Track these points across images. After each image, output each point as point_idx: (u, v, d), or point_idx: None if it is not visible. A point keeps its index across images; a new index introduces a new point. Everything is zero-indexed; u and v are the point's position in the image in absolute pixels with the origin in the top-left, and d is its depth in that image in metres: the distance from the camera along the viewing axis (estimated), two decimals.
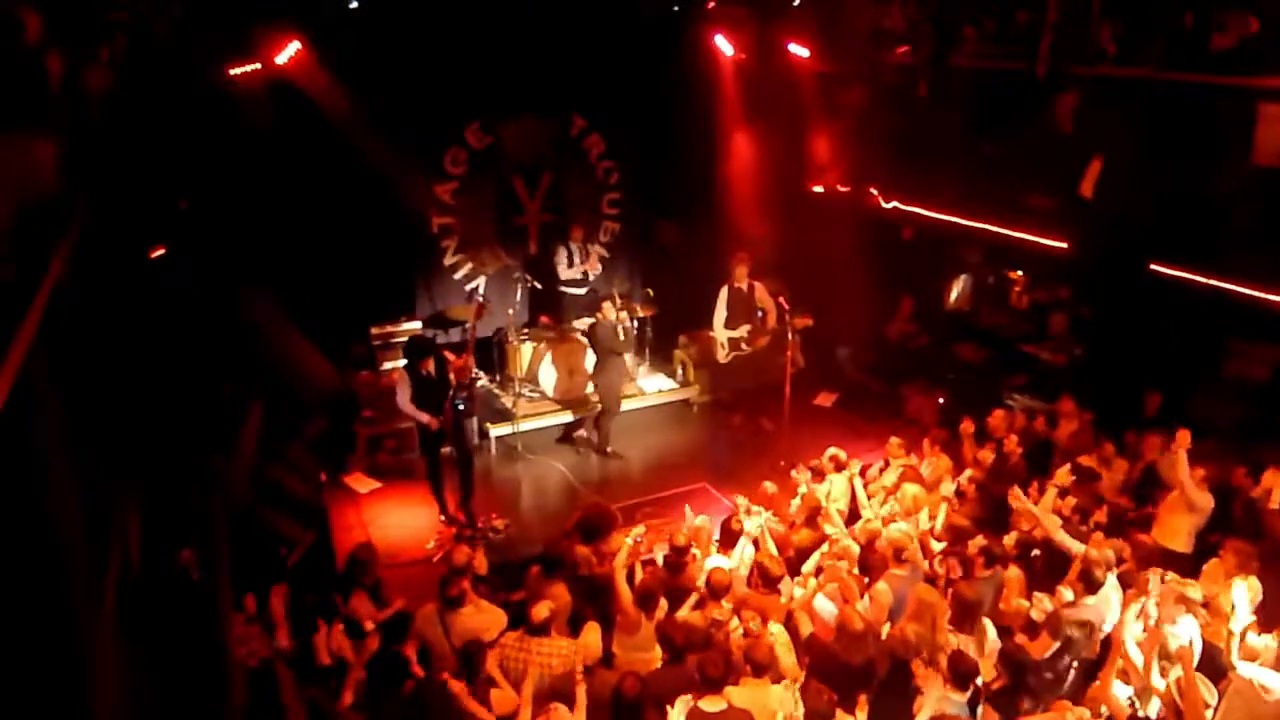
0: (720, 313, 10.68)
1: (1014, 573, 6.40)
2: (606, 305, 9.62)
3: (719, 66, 11.59)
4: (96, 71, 4.53)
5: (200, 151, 7.38)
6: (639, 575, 6.45)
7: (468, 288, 11.10)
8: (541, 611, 5.55)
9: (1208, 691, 5.18)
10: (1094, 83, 9.30)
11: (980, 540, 6.51)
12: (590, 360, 10.13)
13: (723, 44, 11.37)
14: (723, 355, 10.81)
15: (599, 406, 10.05)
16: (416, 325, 10.39)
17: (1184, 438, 6.93)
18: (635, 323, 11.25)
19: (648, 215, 11.94)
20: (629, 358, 10.77)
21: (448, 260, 10.99)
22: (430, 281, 10.95)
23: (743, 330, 10.71)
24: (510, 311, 10.68)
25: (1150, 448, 7.96)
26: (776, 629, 5.83)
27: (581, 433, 10.33)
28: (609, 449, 10.04)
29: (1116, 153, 8.95)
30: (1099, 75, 9.25)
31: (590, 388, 10.24)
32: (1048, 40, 9.50)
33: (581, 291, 11.10)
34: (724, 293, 10.66)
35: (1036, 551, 6.82)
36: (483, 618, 5.83)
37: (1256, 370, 8.80)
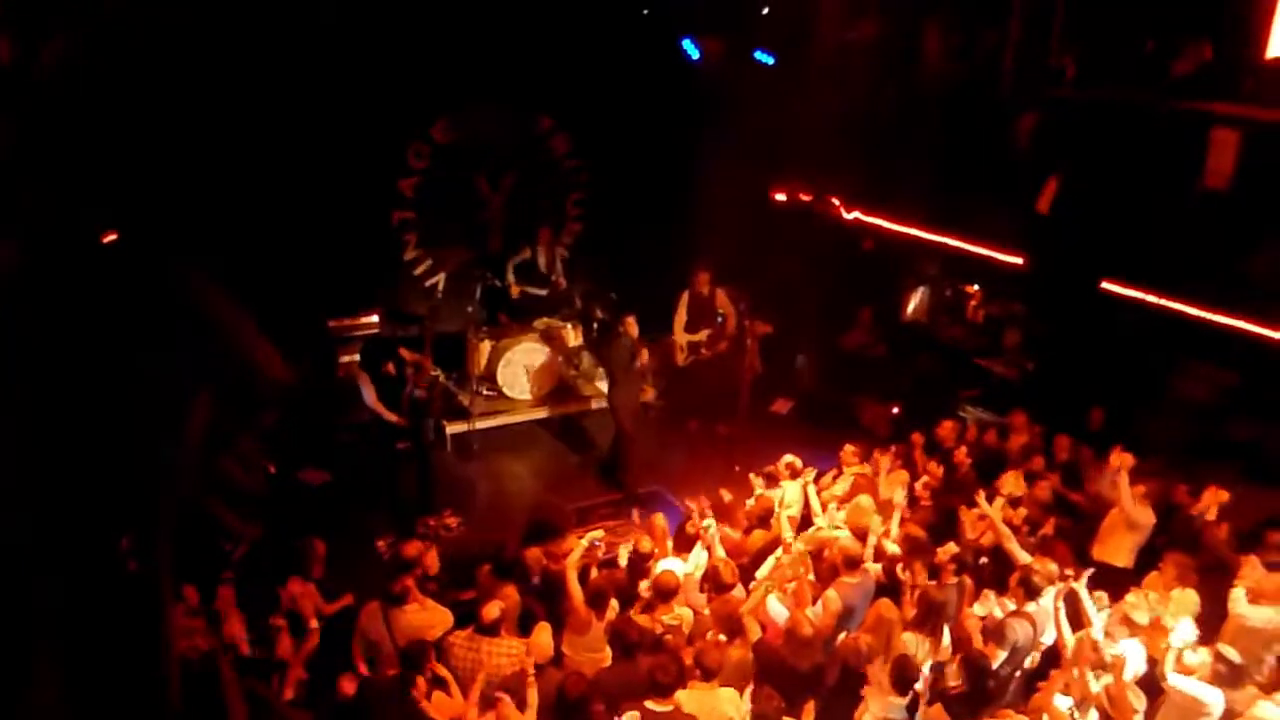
0: (680, 316, 10.73)
1: (967, 581, 6.49)
2: (630, 321, 9.30)
3: (686, 71, 11.64)
4: (50, 52, 4.43)
5: (158, 136, 7.25)
6: (593, 576, 6.44)
7: (427, 284, 11.02)
8: (492, 611, 5.52)
9: (1137, 698, 5.28)
10: (1054, 103, 9.48)
11: (952, 547, 6.58)
12: (540, 359, 10.10)
13: (690, 49, 11.40)
14: (681, 358, 10.86)
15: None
16: (374, 319, 10.29)
17: (1124, 459, 7.09)
18: (597, 325, 11.26)
19: (611, 217, 11.93)
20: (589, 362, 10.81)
21: (408, 255, 10.90)
22: (389, 277, 10.85)
23: (702, 335, 10.75)
24: (470, 309, 10.62)
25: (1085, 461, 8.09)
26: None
27: None
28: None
29: (1073, 172, 9.12)
30: (1059, 96, 9.43)
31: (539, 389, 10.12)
32: (1010, 59, 9.67)
33: (543, 291, 11.07)
34: (684, 297, 10.72)
35: (984, 560, 6.91)
36: (427, 616, 5.79)
37: (1201, 390, 8.99)
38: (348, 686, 5.23)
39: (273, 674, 5.21)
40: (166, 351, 3.11)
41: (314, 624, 5.79)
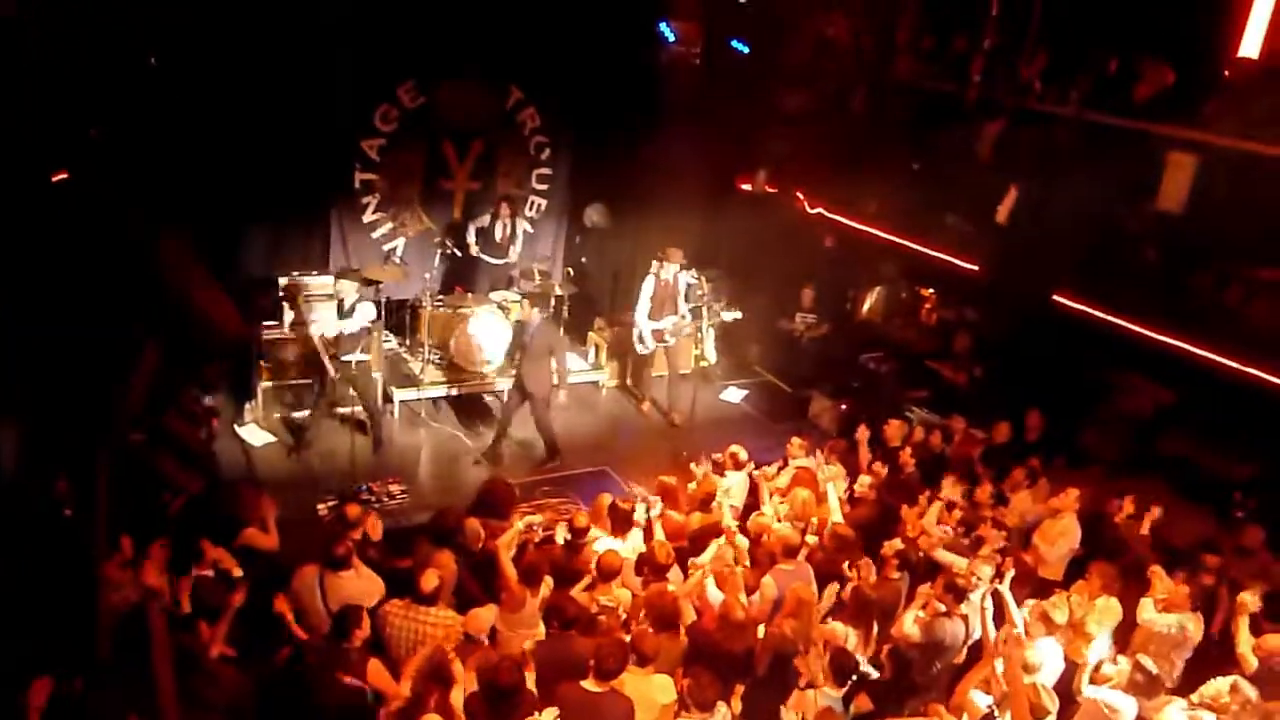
0: (644, 303, 10.37)
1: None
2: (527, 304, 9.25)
3: (661, 54, 11.60)
4: None
5: (114, 77, 7.06)
6: (528, 554, 6.44)
7: (385, 248, 10.88)
8: (430, 580, 5.49)
9: (1050, 700, 5.44)
10: (1019, 113, 9.63)
11: (897, 543, 6.68)
12: (493, 331, 10.04)
13: (666, 31, 11.36)
14: (642, 348, 10.53)
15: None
16: (328, 280, 10.15)
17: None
18: (554, 301, 11.24)
19: (575, 194, 11.87)
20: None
21: (367, 217, 10.76)
22: (347, 237, 10.70)
23: (667, 321, 10.39)
24: (426, 276, 10.51)
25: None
26: None
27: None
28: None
29: (1032, 184, 9.28)
30: (1024, 107, 9.57)
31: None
32: (979, 66, 9.79)
33: (499, 262, 11.00)
34: (649, 283, 10.32)
35: (921, 555, 7.04)
36: (361, 584, 5.76)
37: (1142, 405, 9.23)
38: (283, 650, 5.18)
39: (198, 628, 5.14)
40: (115, 297, 3.06)
41: (237, 573, 5.71)
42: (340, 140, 10.17)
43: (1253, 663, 5.92)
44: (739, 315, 10.65)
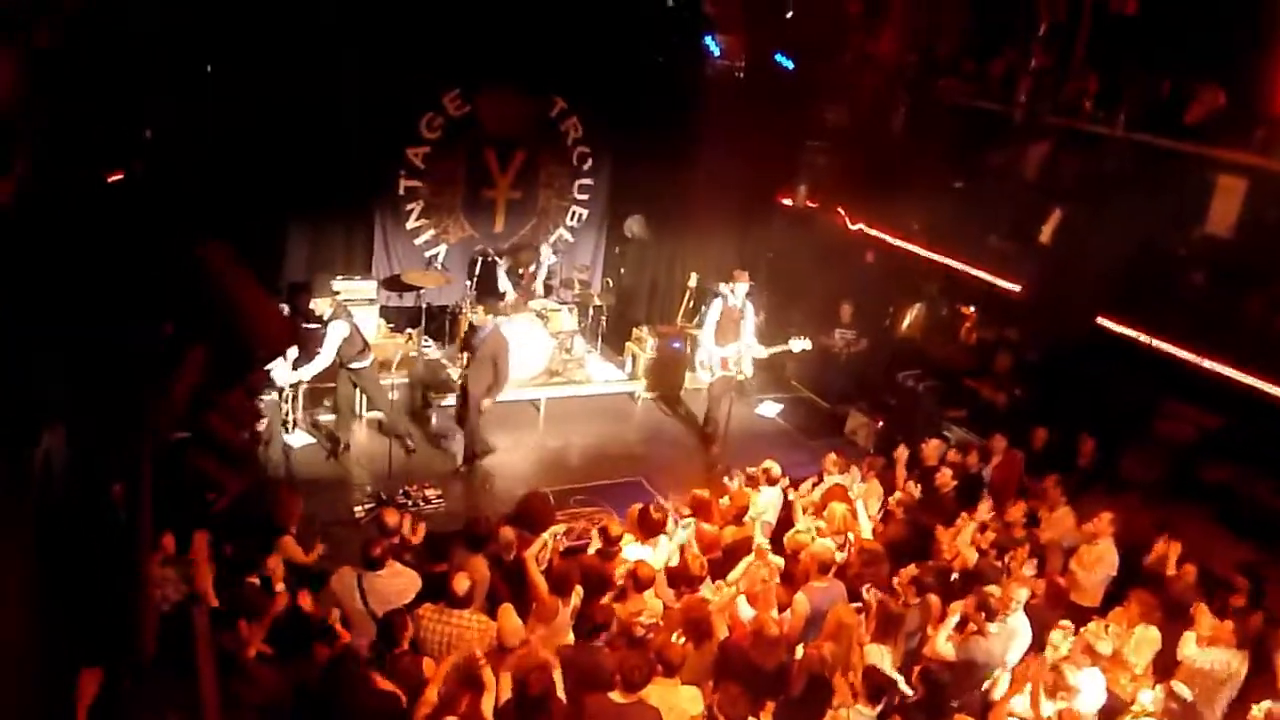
0: (710, 328, 9.71)
1: (934, 600, 6.55)
2: (480, 310, 8.98)
3: (706, 67, 11.64)
4: None
5: (169, 81, 7.22)
6: (556, 564, 6.47)
7: (427, 254, 11.02)
8: (462, 583, 5.53)
9: None
10: (1066, 133, 9.54)
11: (912, 569, 6.62)
12: (532, 338, 10.10)
13: (711, 45, 11.41)
14: (706, 375, 9.93)
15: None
16: (371, 285, 10.30)
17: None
18: (591, 311, 11.30)
19: (616, 205, 11.94)
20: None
21: (410, 224, 10.90)
22: (390, 242, 10.85)
23: (731, 349, 9.67)
24: (468, 283, 10.62)
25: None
26: None
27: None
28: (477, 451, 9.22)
29: (1078, 204, 9.19)
30: (1072, 127, 9.49)
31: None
32: (1027, 86, 9.72)
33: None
34: (716, 306, 9.71)
35: (955, 577, 6.97)
36: (400, 580, 5.81)
37: (1184, 431, 9.09)
38: (323, 651, 5.25)
39: (239, 629, 5.22)
40: (163, 298, 3.13)
41: (280, 586, 5.81)
42: (386, 147, 10.32)
43: None
44: (808, 345, 9.93)
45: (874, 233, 11.56)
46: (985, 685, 6.08)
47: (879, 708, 5.23)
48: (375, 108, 9.72)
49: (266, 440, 8.34)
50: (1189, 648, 6.18)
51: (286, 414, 8.74)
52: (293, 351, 8.28)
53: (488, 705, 4.92)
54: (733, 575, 6.60)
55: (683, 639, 5.67)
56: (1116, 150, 9.07)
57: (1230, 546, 7.96)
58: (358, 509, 8.22)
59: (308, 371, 8.43)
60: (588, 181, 11.72)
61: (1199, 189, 8.41)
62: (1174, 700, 5.78)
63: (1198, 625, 6.29)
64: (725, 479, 7.97)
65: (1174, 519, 7.91)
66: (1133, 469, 8.99)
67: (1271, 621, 6.55)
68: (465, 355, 9.07)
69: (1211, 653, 6.12)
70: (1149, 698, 5.65)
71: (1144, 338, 8.63)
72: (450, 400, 9.92)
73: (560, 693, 5.03)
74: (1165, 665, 6.28)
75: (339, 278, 10.00)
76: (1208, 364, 8.22)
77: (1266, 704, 5.58)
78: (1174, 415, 9.17)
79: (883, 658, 5.81)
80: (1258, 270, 8.27)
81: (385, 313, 10.59)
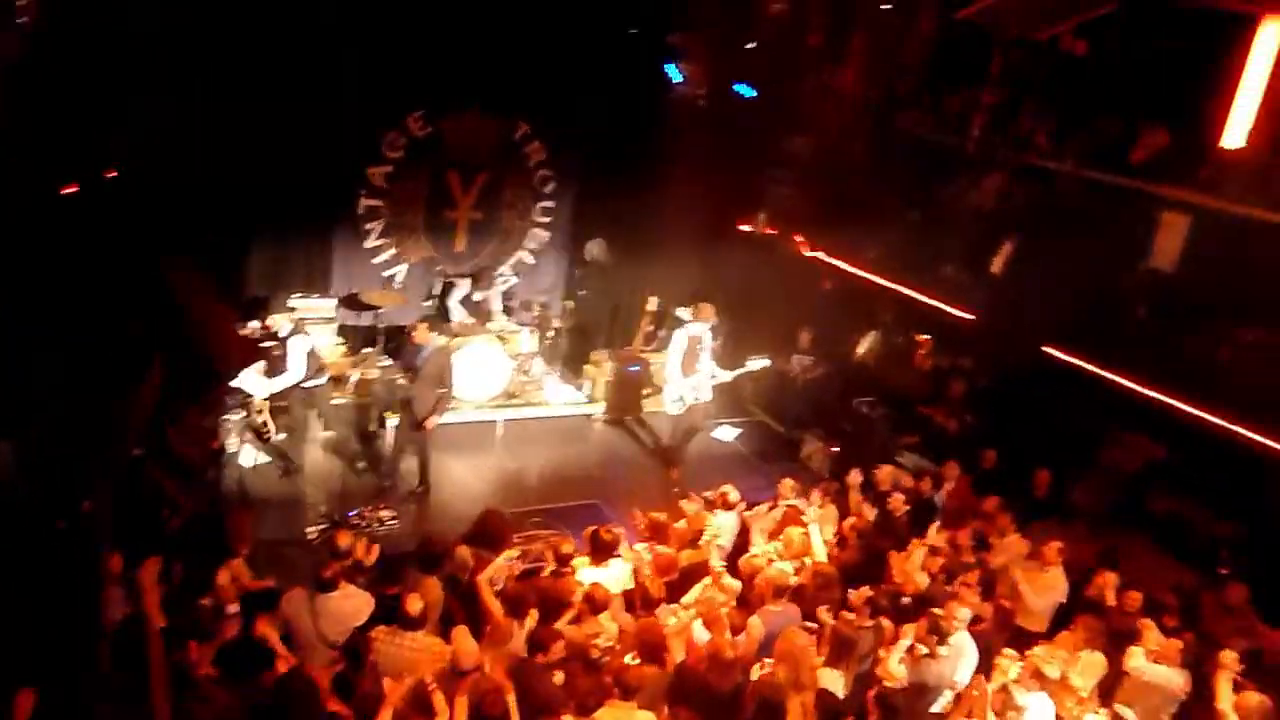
0: (675, 361, 9.78)
1: (886, 623, 6.63)
2: (422, 327, 8.92)
3: (668, 95, 11.78)
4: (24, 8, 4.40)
5: (128, 94, 7.17)
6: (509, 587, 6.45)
7: (386, 273, 10.97)
8: (415, 605, 5.50)
9: None
10: (1019, 168, 9.80)
11: (866, 591, 6.71)
12: (489, 360, 10.07)
13: (673, 72, 11.55)
14: (679, 407, 9.93)
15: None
16: (330, 303, 10.24)
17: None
18: (551, 333, 11.31)
19: (578, 228, 11.99)
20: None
21: (370, 242, 10.85)
22: (349, 260, 10.79)
23: (694, 379, 9.77)
24: (426, 304, 10.59)
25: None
26: None
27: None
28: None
29: (1029, 237, 9.42)
30: (1024, 162, 9.75)
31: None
32: (981, 121, 9.97)
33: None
34: (680, 338, 9.80)
35: (906, 600, 7.06)
36: (352, 603, 5.77)
37: (1129, 460, 9.30)
38: (270, 673, 5.18)
39: (189, 650, 5.15)
40: (126, 316, 3.11)
41: (233, 609, 5.73)
42: (347, 165, 10.29)
43: (1232, 719, 5.95)
44: (767, 362, 10.23)
45: (831, 260, 11.73)
46: (935, 708, 6.17)
47: None
48: (337, 126, 9.69)
49: (227, 460, 8.24)
50: (1137, 659, 6.37)
51: (265, 424, 8.58)
52: (261, 365, 8.24)
53: None
54: (688, 598, 6.62)
55: (637, 661, 5.67)
56: (1066, 185, 9.32)
57: (1175, 573, 8.15)
58: (310, 530, 8.13)
59: (281, 384, 8.36)
60: (550, 204, 11.76)
61: (1144, 225, 8.67)
62: None
63: (1144, 641, 6.46)
64: (682, 502, 8.00)
65: (1121, 547, 8.10)
66: (1082, 498, 9.18)
67: (1207, 642, 6.73)
68: (408, 375, 8.97)
69: (1158, 669, 6.32)
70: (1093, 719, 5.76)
71: (1089, 367, 8.84)
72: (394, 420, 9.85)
73: (514, 717, 5.02)
74: (1110, 689, 6.43)
75: (298, 295, 9.94)
76: (1150, 394, 8.44)
77: None
78: (1121, 444, 9.39)
79: (836, 681, 5.87)
80: (1199, 305, 8.53)
81: (343, 332, 10.51)
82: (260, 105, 8.95)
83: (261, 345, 8.35)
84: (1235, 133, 7.31)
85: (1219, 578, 7.93)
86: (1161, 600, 7.35)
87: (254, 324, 8.94)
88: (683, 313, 10.21)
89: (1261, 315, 8.21)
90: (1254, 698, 6.03)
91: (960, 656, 6.18)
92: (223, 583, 5.85)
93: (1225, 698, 6.09)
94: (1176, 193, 8.54)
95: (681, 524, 7.64)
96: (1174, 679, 6.29)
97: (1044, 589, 7.30)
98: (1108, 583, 7.32)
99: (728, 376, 9.98)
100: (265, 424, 8.50)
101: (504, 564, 6.39)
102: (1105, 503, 9.12)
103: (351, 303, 10.61)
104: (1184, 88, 8.70)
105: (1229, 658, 6.28)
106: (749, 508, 8.08)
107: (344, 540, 6.24)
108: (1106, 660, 6.39)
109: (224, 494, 8.09)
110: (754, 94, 11.64)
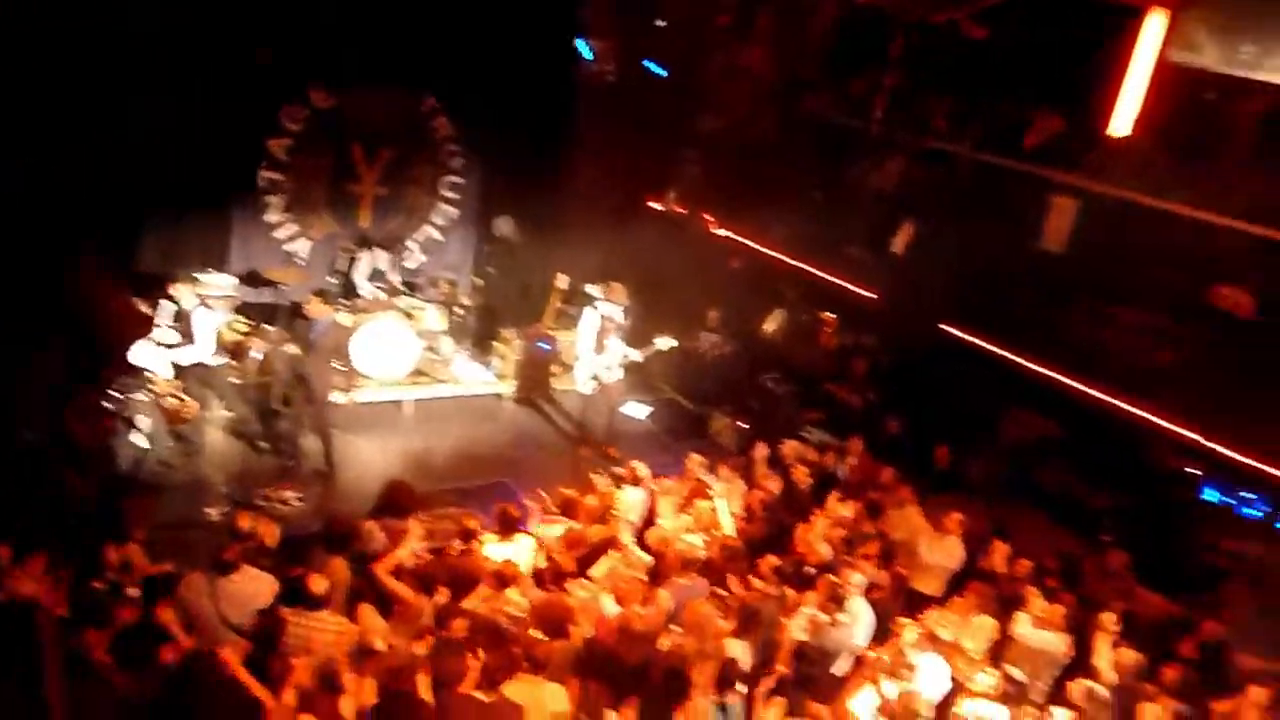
0: (587, 341, 9.92)
1: (789, 592, 6.82)
2: (315, 300, 8.78)
3: (578, 71, 11.72)
4: None
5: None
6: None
7: (287, 249, 10.69)
8: (319, 584, 5.43)
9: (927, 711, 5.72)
10: (919, 151, 10.06)
11: (773, 559, 6.90)
12: (396, 337, 9.97)
13: (583, 48, 11.50)
14: (592, 386, 10.03)
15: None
16: (230, 280, 9.93)
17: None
18: (459, 310, 11.19)
19: (486, 205, 11.87)
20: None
21: (271, 217, 10.56)
22: (249, 236, 10.47)
23: (607, 358, 9.83)
24: (330, 281, 10.37)
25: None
26: None
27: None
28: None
29: (927, 218, 9.70)
30: (924, 145, 10.01)
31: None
32: (882, 103, 10.20)
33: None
34: (590, 319, 9.92)
35: (810, 570, 7.26)
36: (254, 584, 5.65)
37: (1024, 436, 9.72)
38: (169, 654, 5.06)
39: (85, 636, 4.99)
40: (21, 298, 2.99)
41: (132, 591, 5.57)
42: (246, 138, 9.98)
43: (1111, 677, 6.32)
44: (674, 342, 10.31)
45: (739, 239, 11.88)
46: (836, 671, 6.40)
47: (727, 697, 5.44)
48: (234, 96, 9.37)
49: (123, 441, 7.94)
50: (1022, 626, 6.75)
51: (181, 405, 8.27)
52: (171, 337, 7.94)
53: (348, 708, 4.85)
54: (595, 571, 6.69)
55: (541, 635, 5.72)
56: (963, 168, 9.62)
57: (1062, 542, 8.58)
58: (211, 511, 7.92)
59: (185, 357, 8.10)
60: (458, 180, 11.61)
61: (1036, 208, 8.99)
62: (1009, 682, 6.23)
63: (1030, 607, 6.82)
64: (592, 478, 8.05)
65: (1013, 518, 8.48)
66: (977, 471, 9.57)
67: (1089, 605, 7.12)
68: (304, 350, 8.78)
69: (1042, 633, 6.68)
70: (984, 679, 6.06)
71: (984, 344, 9.19)
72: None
73: (425, 692, 5.01)
74: (1000, 651, 6.75)
75: (195, 271, 9.61)
76: (1040, 371, 8.82)
77: (1085, 683, 6.10)
78: (1014, 421, 9.80)
79: (742, 651, 6.02)
80: (1084, 285, 8.93)
81: (243, 309, 10.21)
82: (155, 75, 8.61)
83: (160, 321, 8.05)
84: (1121, 120, 7.65)
85: (1101, 545, 8.38)
86: (1048, 566, 7.73)
87: (159, 300, 8.60)
88: (593, 290, 10.22)
89: (1142, 297, 8.64)
90: (1130, 655, 6.43)
91: (858, 622, 6.43)
92: (113, 563, 5.66)
93: (1104, 655, 6.47)
94: (1066, 177, 8.88)
95: (591, 499, 7.70)
96: (1057, 644, 6.66)
97: (942, 555, 7.61)
98: (999, 551, 7.68)
99: (638, 356, 10.04)
100: (181, 404, 8.21)
101: (405, 555, 6.31)
102: (999, 476, 9.53)
103: (252, 279, 10.31)
104: (1076, 75, 9.03)
105: (1108, 619, 6.67)
106: (658, 483, 8.18)
107: (245, 521, 6.12)
108: (996, 624, 6.69)
109: (120, 476, 7.82)
110: (664, 72, 11.67)
